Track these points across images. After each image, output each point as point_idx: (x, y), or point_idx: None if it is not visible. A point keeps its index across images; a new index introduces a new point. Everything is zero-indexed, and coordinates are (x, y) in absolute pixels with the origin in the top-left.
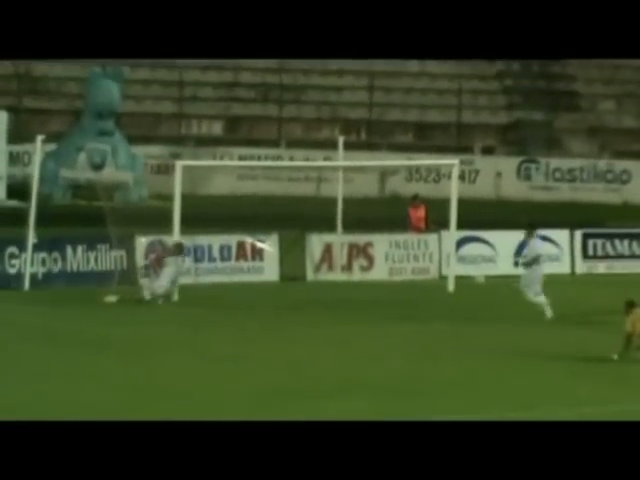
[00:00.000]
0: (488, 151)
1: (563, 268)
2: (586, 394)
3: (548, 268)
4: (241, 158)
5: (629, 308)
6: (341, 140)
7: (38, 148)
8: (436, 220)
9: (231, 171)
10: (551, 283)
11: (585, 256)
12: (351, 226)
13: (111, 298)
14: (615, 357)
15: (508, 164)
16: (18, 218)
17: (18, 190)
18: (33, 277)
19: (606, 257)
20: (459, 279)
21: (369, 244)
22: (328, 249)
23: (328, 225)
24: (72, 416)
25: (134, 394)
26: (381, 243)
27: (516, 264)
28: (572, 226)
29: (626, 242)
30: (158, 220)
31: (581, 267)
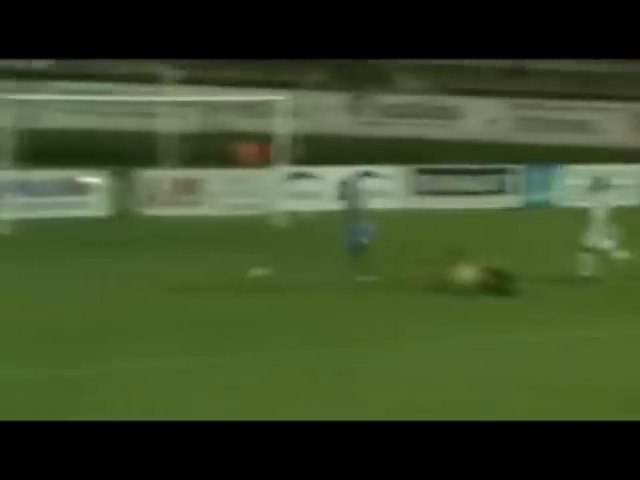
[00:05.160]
0: (317, 86)
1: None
2: None
3: (380, 204)
4: (70, 93)
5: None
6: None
7: None
8: (267, 156)
9: (61, 106)
10: (382, 219)
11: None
12: (180, 162)
13: None
14: None
15: (339, 99)
16: None
17: None
18: None
19: (437, 193)
20: (289, 214)
21: (199, 180)
22: (157, 185)
23: (156, 161)
24: None
25: None
26: (211, 179)
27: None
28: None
29: (456, 178)
30: None
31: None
